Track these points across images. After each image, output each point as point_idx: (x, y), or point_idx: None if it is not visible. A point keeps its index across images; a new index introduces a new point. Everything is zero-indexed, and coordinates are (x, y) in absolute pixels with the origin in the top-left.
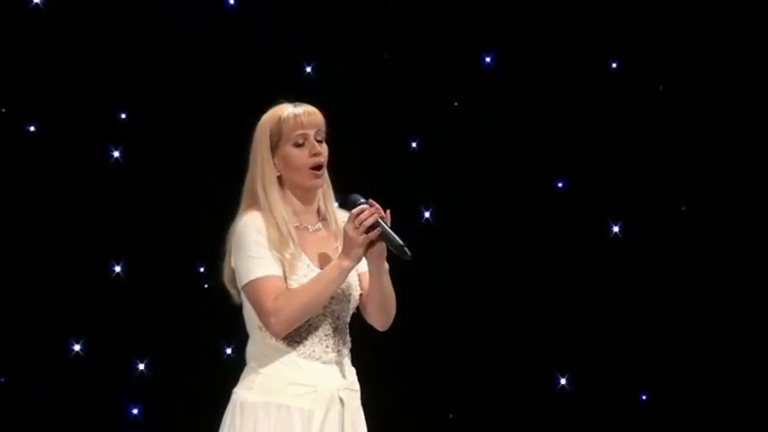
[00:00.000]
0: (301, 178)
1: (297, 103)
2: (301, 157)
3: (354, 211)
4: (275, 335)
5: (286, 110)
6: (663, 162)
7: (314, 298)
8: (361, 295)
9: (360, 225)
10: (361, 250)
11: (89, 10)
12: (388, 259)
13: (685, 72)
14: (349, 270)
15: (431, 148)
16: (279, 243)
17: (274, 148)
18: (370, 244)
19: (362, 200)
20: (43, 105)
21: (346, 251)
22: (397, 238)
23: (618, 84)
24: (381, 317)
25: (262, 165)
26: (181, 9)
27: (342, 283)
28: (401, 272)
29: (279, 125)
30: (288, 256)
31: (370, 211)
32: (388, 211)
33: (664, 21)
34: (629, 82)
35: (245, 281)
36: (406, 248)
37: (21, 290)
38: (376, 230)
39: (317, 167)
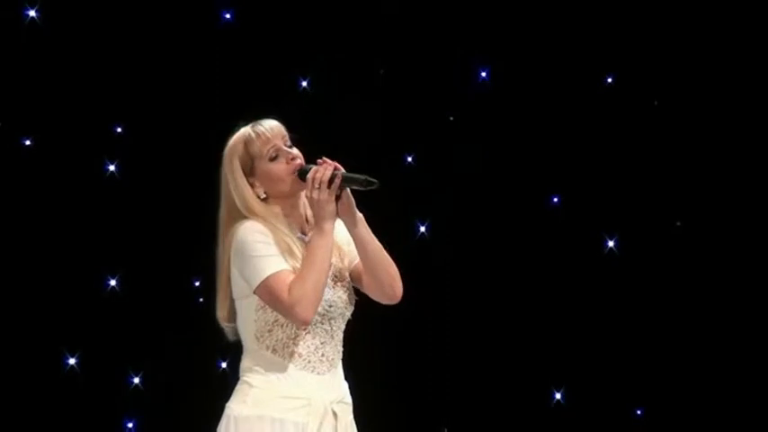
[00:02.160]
0: (286, 186)
1: (253, 123)
2: (280, 167)
3: (308, 176)
4: (303, 323)
5: (247, 133)
6: (658, 177)
7: (319, 272)
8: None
9: (319, 184)
10: (331, 206)
11: (85, 24)
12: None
13: (680, 87)
14: (331, 230)
15: (426, 162)
16: (287, 250)
17: (249, 172)
18: (337, 198)
19: (312, 165)
20: (39, 119)
21: (319, 214)
22: (358, 175)
23: (613, 99)
24: (380, 281)
25: (241, 193)
26: (177, 23)
27: (332, 245)
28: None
29: (247, 148)
30: (298, 265)
31: (323, 167)
32: (335, 163)
33: (658, 36)
34: (624, 97)
35: (257, 282)
36: (369, 179)
37: (15, 303)
38: (336, 180)
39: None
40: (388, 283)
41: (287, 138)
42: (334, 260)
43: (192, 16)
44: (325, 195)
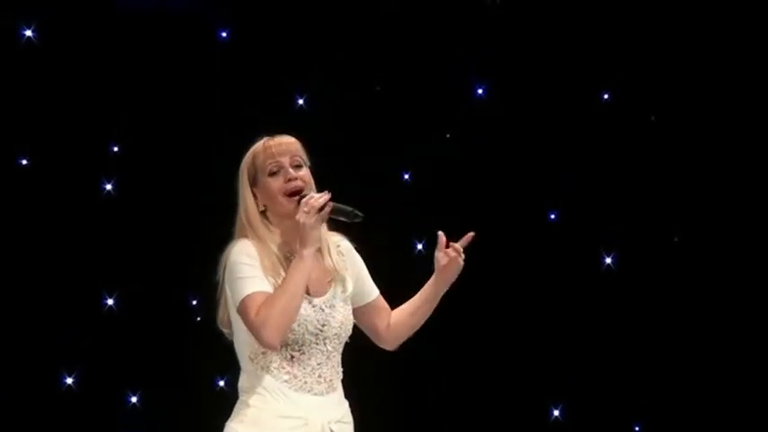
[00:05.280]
0: (279, 205)
1: (272, 136)
2: (276, 183)
3: (304, 200)
4: (269, 346)
5: (260, 144)
6: (656, 193)
7: (290, 296)
8: (379, 322)
9: (309, 209)
10: (316, 232)
11: (81, 44)
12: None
13: (677, 103)
14: (310, 256)
15: (423, 179)
16: (272, 271)
17: (253, 182)
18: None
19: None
20: (35, 139)
21: (302, 238)
22: (346, 207)
23: (610, 115)
24: (404, 335)
25: (245, 201)
26: (174, 41)
27: (309, 271)
28: (395, 302)
29: (254, 159)
30: (281, 282)
31: (318, 195)
32: (329, 194)
33: (654, 52)
34: (621, 113)
35: (237, 303)
36: (355, 212)
37: (13, 322)
38: (326, 209)
39: (292, 193)
40: (402, 339)
41: (298, 157)
42: (335, 286)
43: (188, 35)
44: (312, 221)
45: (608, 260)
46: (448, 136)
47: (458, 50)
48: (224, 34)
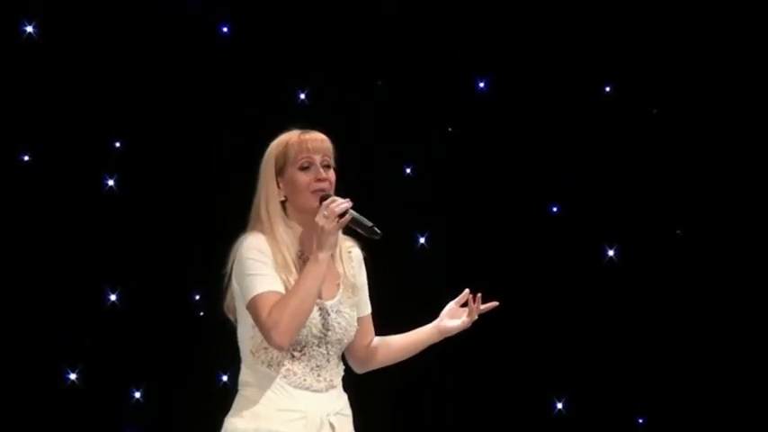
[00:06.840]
0: (304, 200)
1: (306, 130)
2: (305, 179)
3: (325, 203)
4: (278, 347)
5: (293, 135)
6: (658, 186)
7: (303, 299)
8: (359, 340)
9: (329, 214)
10: (334, 238)
11: (82, 39)
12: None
13: (679, 95)
14: (325, 260)
15: (425, 173)
16: (283, 267)
17: (279, 172)
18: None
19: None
20: (37, 135)
21: (320, 241)
22: (367, 221)
23: (611, 108)
24: (378, 365)
25: (266, 188)
26: (174, 38)
27: (323, 274)
28: (397, 296)
29: (285, 149)
30: (292, 280)
31: (340, 201)
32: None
33: (656, 44)
34: (623, 106)
35: (248, 300)
36: (375, 228)
37: (16, 318)
38: (347, 216)
39: (320, 191)
40: (377, 365)
41: (328, 158)
42: (343, 290)
43: (189, 30)
44: (331, 226)
45: (610, 253)
46: (450, 129)
47: (459, 44)
48: (225, 29)
